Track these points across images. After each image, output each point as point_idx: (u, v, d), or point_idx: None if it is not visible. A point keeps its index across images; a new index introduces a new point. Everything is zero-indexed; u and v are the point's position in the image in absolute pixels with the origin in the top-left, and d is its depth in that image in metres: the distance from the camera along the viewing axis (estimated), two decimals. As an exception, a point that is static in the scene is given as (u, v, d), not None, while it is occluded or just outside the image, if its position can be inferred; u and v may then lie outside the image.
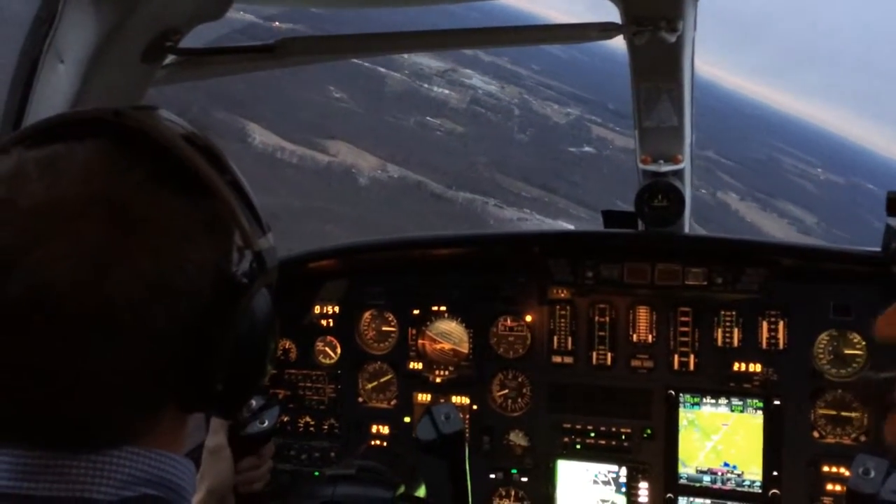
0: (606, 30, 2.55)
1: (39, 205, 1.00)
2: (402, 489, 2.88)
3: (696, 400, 3.54)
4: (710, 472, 3.53)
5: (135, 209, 1.04)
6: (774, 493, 3.43)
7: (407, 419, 3.90)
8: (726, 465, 3.52)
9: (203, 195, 1.12)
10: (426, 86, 50.68)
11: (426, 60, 50.98)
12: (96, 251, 1.00)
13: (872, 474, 2.17)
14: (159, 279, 1.03)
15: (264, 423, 2.29)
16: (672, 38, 2.54)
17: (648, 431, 3.61)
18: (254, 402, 2.31)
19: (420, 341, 3.90)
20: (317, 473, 3.89)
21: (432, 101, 49.34)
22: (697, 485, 3.55)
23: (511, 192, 41.14)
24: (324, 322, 4.02)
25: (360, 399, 3.98)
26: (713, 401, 3.52)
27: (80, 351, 1.00)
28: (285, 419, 3.99)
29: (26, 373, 1.00)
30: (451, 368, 3.86)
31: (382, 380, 3.96)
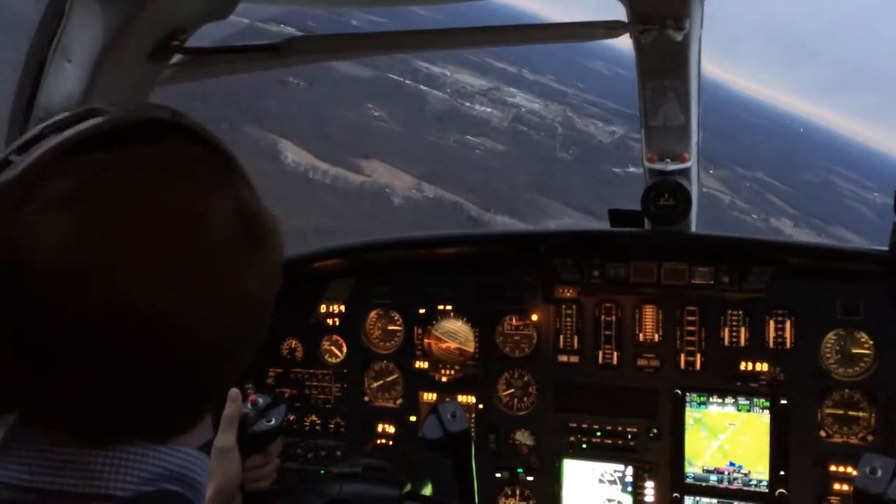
0: (613, 28, 2.54)
1: (170, 209, 1.03)
2: (408, 487, 2.88)
3: (703, 399, 3.54)
4: (717, 471, 3.52)
5: (248, 207, 1.12)
6: (781, 492, 3.42)
7: (413, 418, 3.90)
8: (732, 464, 3.51)
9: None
10: (468, 104, 48.98)
11: (469, 79, 49.07)
12: (234, 254, 1.07)
13: (879, 473, 2.16)
14: (275, 269, 1.15)
15: (271, 421, 2.30)
16: (678, 37, 2.53)
17: (655, 431, 3.60)
18: (261, 401, 2.32)
19: (426, 340, 3.90)
20: (322, 472, 3.90)
21: (473, 119, 47.67)
22: (704, 484, 3.54)
23: (551, 216, 39.85)
24: (330, 321, 4.02)
25: (366, 398, 3.99)
26: (720, 400, 3.51)
27: (160, 355, 1.03)
28: (291, 418, 4.00)
29: (104, 371, 1.02)
30: (456, 367, 3.86)
31: (388, 379, 3.96)
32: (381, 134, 40.90)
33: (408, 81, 45.94)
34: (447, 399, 3.80)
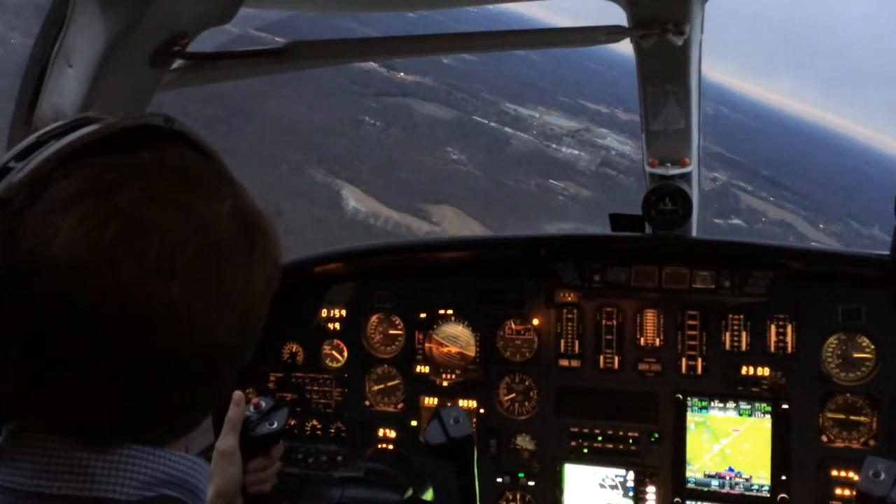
0: (614, 33, 2.56)
1: (184, 210, 1.06)
2: (409, 492, 2.88)
3: (704, 404, 3.53)
4: (718, 476, 3.52)
5: (243, 208, 1.14)
6: (783, 497, 3.42)
7: (413, 423, 3.90)
8: (731, 469, 3.50)
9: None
10: (554, 146, 44.38)
11: (558, 120, 45.75)
12: (236, 256, 1.10)
13: (883, 477, 2.16)
14: (273, 271, 1.17)
15: (273, 424, 2.31)
16: (679, 42, 2.54)
17: (656, 435, 3.60)
18: (263, 404, 2.33)
19: (427, 345, 3.89)
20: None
21: (558, 162, 43.27)
22: (705, 489, 3.53)
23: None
24: (331, 325, 4.02)
25: (367, 402, 3.98)
26: (721, 405, 3.51)
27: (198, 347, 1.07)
28: (292, 423, 3.99)
29: (104, 371, 1.03)
30: (457, 372, 3.86)
31: (389, 383, 3.96)
32: (458, 178, 37.67)
33: (492, 124, 42.33)
34: (448, 404, 3.81)
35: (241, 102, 30.70)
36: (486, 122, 42.26)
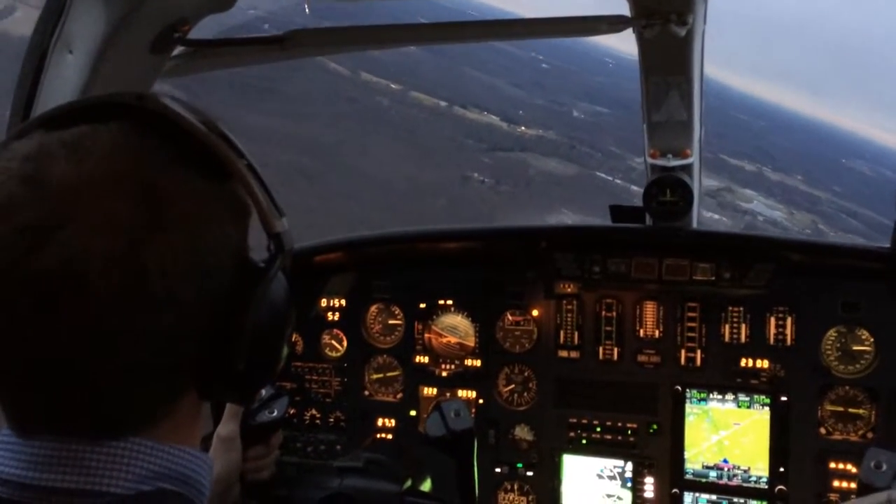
0: (616, 23, 2.54)
1: (68, 182, 1.01)
2: (409, 483, 2.88)
3: (703, 395, 3.54)
4: (717, 467, 3.53)
5: (163, 187, 1.06)
6: (781, 489, 3.43)
7: (412, 412, 3.90)
8: (725, 461, 3.51)
9: (224, 177, 1.15)
10: None
11: None
12: (127, 228, 1.01)
13: (884, 468, 2.17)
14: (188, 256, 1.06)
15: (274, 412, 2.32)
16: (682, 32, 2.53)
17: (654, 427, 3.60)
18: (264, 392, 2.33)
19: (426, 335, 3.89)
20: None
21: None
22: (703, 480, 3.54)
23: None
24: (330, 315, 4.02)
25: (366, 392, 3.98)
26: (720, 396, 3.51)
27: (109, 328, 1.00)
28: (292, 412, 3.99)
29: (55, 351, 1.00)
30: (457, 362, 3.86)
31: (389, 373, 3.96)
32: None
33: (617, 181, 37.04)
34: (447, 394, 3.82)
35: (336, 155, 29.11)
36: (610, 178, 37.26)
